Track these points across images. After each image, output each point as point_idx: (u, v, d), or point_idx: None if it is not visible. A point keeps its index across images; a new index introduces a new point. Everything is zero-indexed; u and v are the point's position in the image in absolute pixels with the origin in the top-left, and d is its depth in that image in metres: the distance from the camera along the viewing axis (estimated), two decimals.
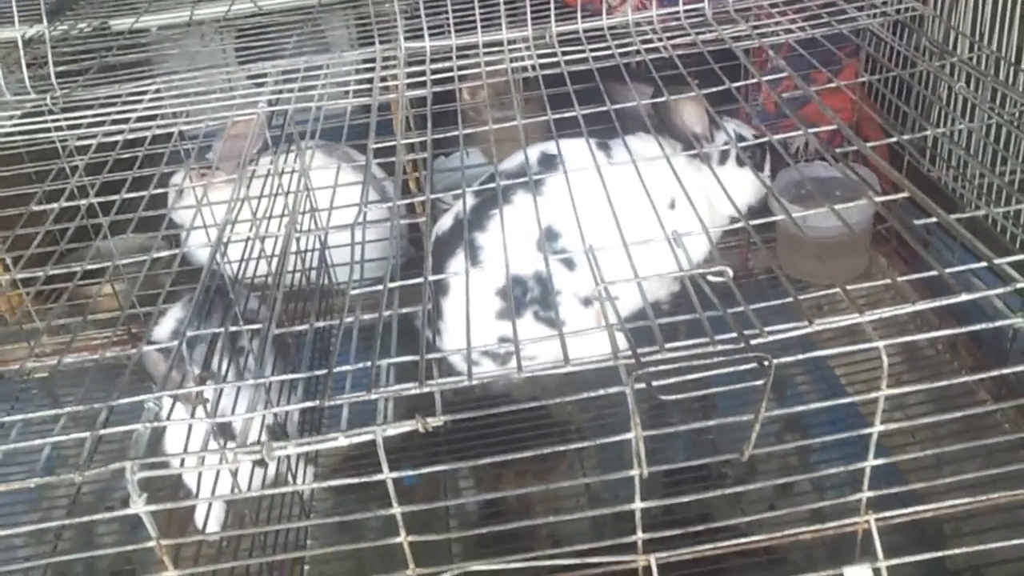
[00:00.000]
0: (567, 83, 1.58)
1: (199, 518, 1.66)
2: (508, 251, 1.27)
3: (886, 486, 1.04)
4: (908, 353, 1.98)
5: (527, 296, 1.77)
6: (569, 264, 1.73)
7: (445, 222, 1.86)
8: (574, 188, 1.34)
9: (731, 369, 0.92)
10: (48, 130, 1.75)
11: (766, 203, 2.01)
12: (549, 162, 1.73)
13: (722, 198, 1.33)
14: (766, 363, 0.88)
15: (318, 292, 1.84)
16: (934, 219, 1.08)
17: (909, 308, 0.94)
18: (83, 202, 1.54)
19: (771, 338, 0.92)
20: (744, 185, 1.88)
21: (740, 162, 1.89)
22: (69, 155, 1.68)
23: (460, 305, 1.77)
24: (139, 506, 0.91)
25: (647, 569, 0.99)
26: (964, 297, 0.92)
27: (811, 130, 1.42)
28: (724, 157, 1.90)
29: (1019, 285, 0.95)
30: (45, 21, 2.02)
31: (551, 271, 1.75)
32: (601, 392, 0.90)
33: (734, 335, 0.91)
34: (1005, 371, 1.08)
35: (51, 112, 1.80)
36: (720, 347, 0.91)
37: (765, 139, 1.88)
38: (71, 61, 2.10)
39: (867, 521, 1.00)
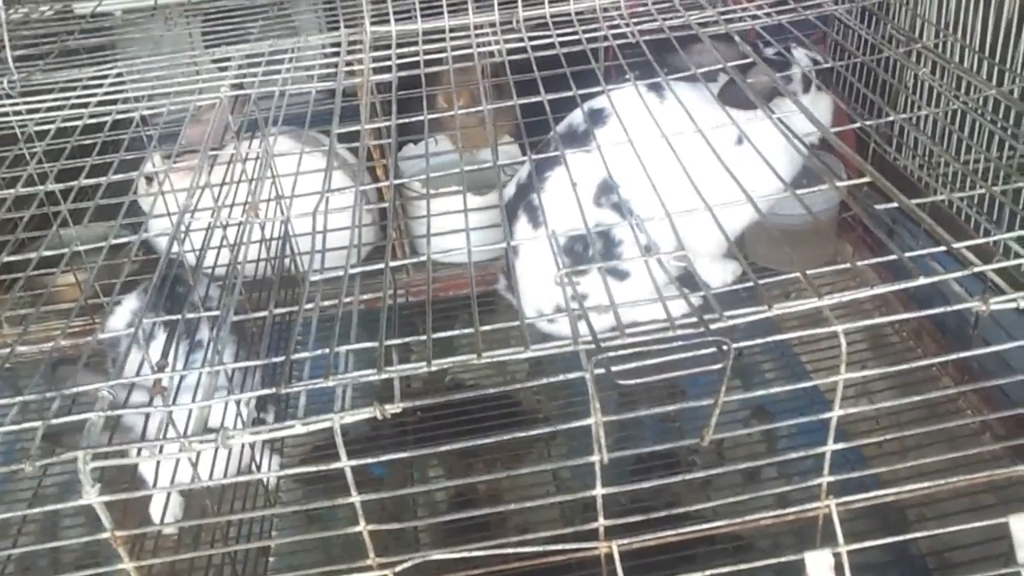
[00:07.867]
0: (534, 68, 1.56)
1: (155, 512, 1.64)
2: (564, 209, 1.30)
3: (850, 472, 1.04)
4: (872, 340, 1.99)
5: (589, 252, 1.76)
6: (625, 213, 1.73)
7: (509, 190, 1.90)
8: (629, 133, 1.36)
9: (695, 353, 0.92)
10: (6, 115, 1.72)
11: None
12: (596, 117, 1.76)
13: (800, 126, 1.33)
14: (724, 347, 0.87)
15: (276, 280, 1.82)
16: (895, 204, 1.08)
17: (868, 292, 0.94)
18: (41, 188, 1.50)
19: (731, 322, 0.91)
20: (822, 110, 1.83)
21: (818, 87, 1.84)
22: (28, 140, 1.64)
23: (528, 268, 1.80)
24: (91, 496, 0.89)
25: (609, 556, 0.98)
26: (922, 281, 0.92)
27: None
28: (807, 84, 1.87)
29: (977, 269, 0.95)
30: (1, 3, 1.97)
31: (609, 222, 1.79)
32: (561, 378, 0.89)
33: (694, 319, 0.91)
34: (965, 354, 1.08)
35: (9, 96, 1.77)
36: (680, 331, 0.90)
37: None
38: (31, 45, 2.06)
39: (827, 506, 1.00)
